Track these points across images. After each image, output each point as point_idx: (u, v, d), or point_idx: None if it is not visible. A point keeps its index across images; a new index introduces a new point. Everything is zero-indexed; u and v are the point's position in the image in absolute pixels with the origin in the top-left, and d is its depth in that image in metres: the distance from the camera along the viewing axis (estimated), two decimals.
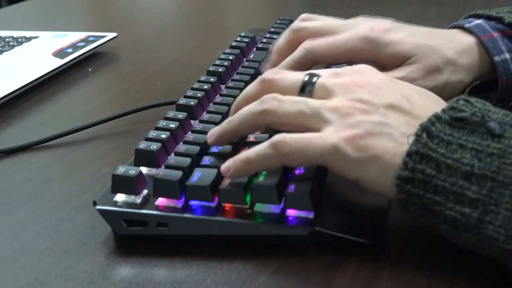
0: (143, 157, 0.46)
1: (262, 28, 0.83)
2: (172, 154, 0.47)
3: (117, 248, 0.43)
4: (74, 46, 0.84)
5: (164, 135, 0.48)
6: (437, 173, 0.37)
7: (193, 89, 0.58)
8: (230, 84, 0.61)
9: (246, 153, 0.42)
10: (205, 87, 0.58)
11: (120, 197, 0.43)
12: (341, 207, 0.45)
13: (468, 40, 0.56)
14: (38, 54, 0.83)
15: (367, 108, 0.41)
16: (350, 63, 0.58)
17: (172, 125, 0.50)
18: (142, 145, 0.47)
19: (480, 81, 0.57)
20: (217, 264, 0.41)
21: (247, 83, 0.60)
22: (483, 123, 0.38)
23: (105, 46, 0.88)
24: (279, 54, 0.58)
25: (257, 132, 0.48)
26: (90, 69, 0.82)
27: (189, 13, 1.22)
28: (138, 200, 0.43)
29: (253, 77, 0.62)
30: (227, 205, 0.43)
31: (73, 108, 0.70)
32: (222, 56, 0.67)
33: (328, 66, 0.62)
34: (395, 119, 0.40)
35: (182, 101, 0.55)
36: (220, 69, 0.63)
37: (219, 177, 0.43)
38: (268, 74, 0.46)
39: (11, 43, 0.87)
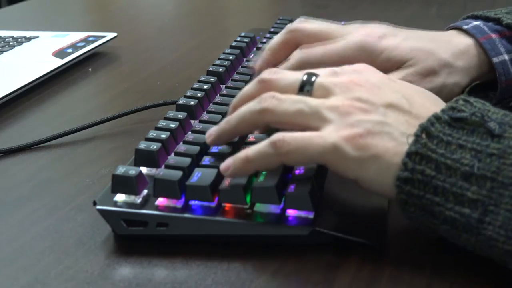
0: (143, 157, 0.46)
1: (262, 28, 0.83)
2: (172, 154, 0.47)
3: (117, 248, 0.43)
4: (74, 46, 0.84)
5: (164, 135, 0.48)
6: (436, 174, 0.37)
7: (193, 89, 0.58)
8: (230, 84, 0.61)
9: (246, 152, 0.42)
10: (205, 87, 0.58)
11: (120, 197, 0.43)
12: (341, 207, 0.45)
13: (465, 42, 0.56)
14: (38, 54, 0.83)
15: (367, 107, 0.41)
16: None
17: (172, 125, 0.50)
18: (142, 145, 0.47)
19: (479, 81, 0.57)
20: (217, 264, 0.41)
21: (247, 83, 0.60)
22: (482, 123, 0.38)
23: (105, 46, 0.88)
24: (271, 52, 0.58)
25: (256, 132, 0.48)
26: (90, 69, 0.82)
27: (189, 13, 1.22)
28: (138, 200, 0.43)
29: (253, 77, 0.62)
30: (227, 205, 0.43)
31: (73, 108, 0.70)
32: (222, 56, 0.67)
33: None
34: (394, 119, 0.40)
35: (182, 101, 0.55)
36: (220, 69, 0.63)
37: (219, 177, 0.43)
38: (266, 74, 0.46)
39: (11, 43, 0.87)
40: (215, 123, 0.51)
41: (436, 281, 0.38)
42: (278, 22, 0.81)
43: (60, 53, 0.82)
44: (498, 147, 0.37)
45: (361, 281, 0.39)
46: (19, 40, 0.88)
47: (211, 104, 0.56)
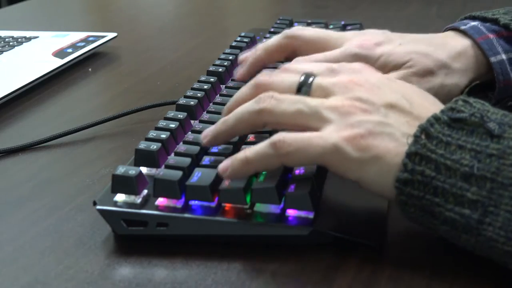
0: (143, 157, 0.46)
1: (262, 28, 0.83)
2: (172, 154, 0.47)
3: (117, 248, 0.43)
4: (74, 46, 0.84)
5: (164, 135, 0.48)
6: (436, 174, 0.37)
7: (193, 89, 0.58)
8: (230, 84, 0.61)
9: (245, 153, 0.41)
10: (205, 87, 0.58)
11: (120, 197, 0.43)
12: (341, 207, 0.45)
13: (462, 43, 0.56)
14: (38, 54, 0.83)
15: (368, 108, 0.41)
16: None
17: (172, 125, 0.50)
18: (142, 145, 0.47)
19: (478, 82, 0.57)
20: (217, 264, 0.41)
21: (247, 83, 0.60)
22: (482, 124, 0.38)
23: (105, 46, 0.88)
24: (265, 52, 0.58)
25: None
26: (90, 69, 0.82)
27: (189, 13, 1.22)
28: (138, 200, 0.43)
29: (253, 77, 0.62)
30: (227, 205, 0.43)
31: (73, 108, 0.70)
32: (222, 56, 0.67)
33: None
34: (395, 119, 0.40)
35: (182, 101, 0.55)
36: (220, 69, 0.63)
37: (219, 177, 0.43)
38: (262, 77, 0.45)
39: (11, 43, 0.87)
40: (215, 123, 0.51)
41: (436, 281, 0.38)
42: (278, 22, 0.81)
43: (60, 53, 0.82)
44: (498, 148, 0.37)
45: (361, 281, 0.39)
46: (19, 40, 0.88)
47: (211, 104, 0.56)
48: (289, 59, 0.60)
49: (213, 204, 0.43)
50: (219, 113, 0.53)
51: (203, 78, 0.61)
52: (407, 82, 0.53)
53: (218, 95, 0.59)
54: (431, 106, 0.41)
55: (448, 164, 0.37)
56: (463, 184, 0.36)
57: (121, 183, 0.43)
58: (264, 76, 0.45)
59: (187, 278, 0.40)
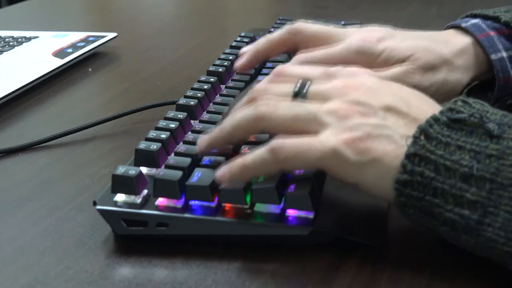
0: (143, 157, 0.46)
1: (262, 28, 0.83)
2: (172, 154, 0.47)
3: (117, 248, 0.43)
4: (74, 46, 0.84)
5: (164, 135, 0.48)
6: (436, 175, 0.37)
7: (193, 89, 0.58)
8: (230, 84, 0.61)
9: (243, 159, 0.41)
10: (205, 87, 0.58)
11: (120, 197, 0.43)
12: (341, 207, 0.45)
13: (463, 40, 0.56)
14: (38, 54, 0.83)
15: (365, 111, 0.40)
16: None
17: (172, 125, 0.50)
18: (142, 145, 0.47)
19: (478, 82, 0.57)
20: (217, 264, 0.41)
21: (247, 83, 0.60)
22: (481, 124, 0.38)
23: (105, 46, 0.88)
24: (267, 46, 0.58)
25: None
26: (90, 69, 0.82)
27: (189, 13, 1.22)
28: (138, 200, 0.43)
29: (253, 77, 0.62)
30: (227, 205, 0.43)
31: (73, 108, 0.70)
32: (222, 56, 0.67)
33: None
34: (393, 121, 0.40)
35: (182, 101, 0.55)
36: (220, 69, 0.63)
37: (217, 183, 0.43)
38: (256, 91, 0.45)
39: (11, 43, 0.87)
40: (215, 123, 0.51)
41: (436, 282, 0.38)
42: (278, 22, 0.81)
43: (60, 53, 0.82)
44: (497, 148, 0.37)
45: (361, 281, 0.39)
46: (19, 40, 0.88)
47: (211, 104, 0.56)
48: (291, 52, 0.61)
49: (213, 204, 0.43)
50: (219, 113, 0.53)
51: (203, 78, 0.61)
52: (410, 77, 0.53)
53: (218, 95, 0.59)
54: (429, 108, 0.41)
55: (447, 164, 0.37)
56: (462, 185, 0.36)
57: (121, 183, 0.43)
58: (259, 87, 0.45)
59: (187, 278, 0.40)
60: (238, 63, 0.59)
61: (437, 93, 0.53)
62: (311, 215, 0.42)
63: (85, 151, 0.59)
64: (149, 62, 0.86)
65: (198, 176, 0.43)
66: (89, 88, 0.77)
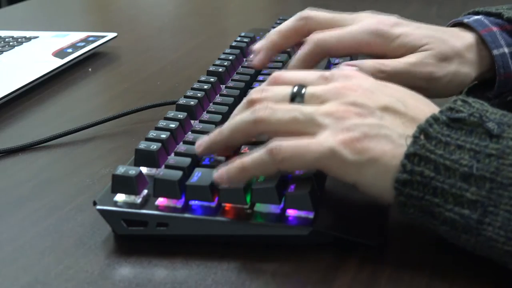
0: (143, 157, 0.46)
1: (262, 28, 0.83)
2: (172, 154, 0.47)
3: (117, 248, 0.43)
4: (74, 46, 0.84)
5: (164, 135, 0.48)
6: (435, 175, 0.37)
7: (193, 89, 0.58)
8: (230, 84, 0.61)
9: (241, 160, 0.41)
10: (205, 87, 0.58)
11: (120, 197, 0.43)
12: (341, 207, 0.45)
13: (468, 36, 0.56)
14: (38, 54, 0.83)
15: (362, 111, 0.40)
16: (355, 57, 0.59)
17: (172, 125, 0.50)
18: (142, 145, 0.47)
19: (477, 82, 0.57)
20: (217, 264, 0.41)
21: (247, 83, 0.60)
22: (481, 124, 0.38)
23: (105, 46, 0.88)
24: (279, 36, 0.58)
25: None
26: (90, 69, 0.82)
27: (189, 13, 1.22)
28: (138, 200, 0.43)
29: (253, 77, 0.62)
30: (227, 205, 0.43)
31: (73, 108, 0.70)
32: (222, 56, 0.67)
33: (327, 66, 0.62)
34: (391, 121, 0.40)
35: (182, 101, 0.55)
36: (220, 69, 0.63)
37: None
38: (254, 94, 0.45)
39: (11, 43, 0.87)
40: (215, 123, 0.51)
41: (436, 281, 0.39)
42: (278, 22, 0.81)
43: (60, 53, 0.82)
44: (497, 148, 0.37)
45: (361, 281, 0.39)
46: (19, 40, 0.88)
47: (211, 104, 0.56)
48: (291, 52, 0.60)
49: (213, 204, 0.43)
50: (219, 113, 0.53)
51: (203, 78, 0.61)
52: (425, 65, 0.53)
53: (218, 95, 0.59)
54: (426, 108, 0.41)
55: (447, 164, 0.37)
56: (462, 184, 0.36)
57: (121, 183, 0.43)
58: (256, 94, 0.45)
59: (187, 278, 0.40)
60: (256, 60, 0.59)
61: (450, 84, 0.53)
62: (311, 215, 0.42)
63: (85, 151, 0.59)
64: (149, 62, 0.86)
65: (198, 176, 0.43)
66: (89, 88, 0.77)
